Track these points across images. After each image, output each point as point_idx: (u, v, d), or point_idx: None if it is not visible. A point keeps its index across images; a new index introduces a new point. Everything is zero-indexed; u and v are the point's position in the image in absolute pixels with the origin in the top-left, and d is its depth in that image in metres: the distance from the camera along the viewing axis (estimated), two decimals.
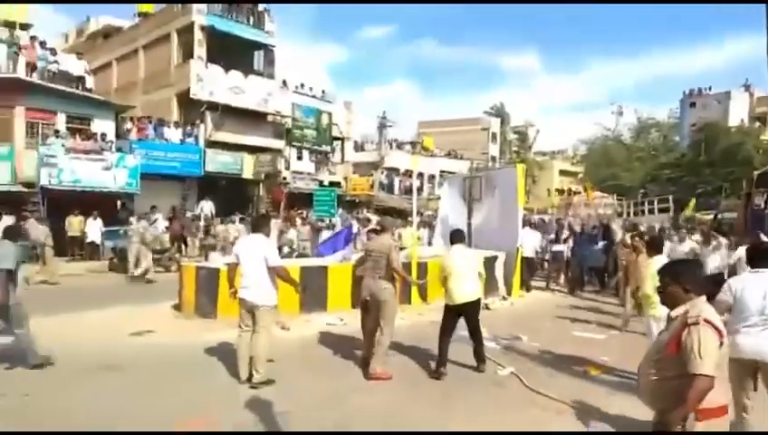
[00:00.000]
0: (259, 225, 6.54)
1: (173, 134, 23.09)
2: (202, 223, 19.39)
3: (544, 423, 5.04)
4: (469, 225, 12.33)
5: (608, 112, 67.67)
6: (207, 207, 21.90)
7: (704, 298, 2.83)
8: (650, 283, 5.89)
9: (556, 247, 14.34)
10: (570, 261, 13.92)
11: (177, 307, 9.55)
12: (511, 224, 11.78)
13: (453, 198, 13.50)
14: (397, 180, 34.82)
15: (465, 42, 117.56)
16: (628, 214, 25.48)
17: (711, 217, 20.18)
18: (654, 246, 6.66)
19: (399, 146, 38.44)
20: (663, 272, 2.99)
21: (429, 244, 14.70)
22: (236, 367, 6.07)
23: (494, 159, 45.92)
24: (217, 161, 24.10)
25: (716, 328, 2.67)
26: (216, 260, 11.04)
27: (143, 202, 18.70)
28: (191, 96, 23.63)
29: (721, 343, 2.67)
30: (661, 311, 4.75)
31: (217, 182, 24.01)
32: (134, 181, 19.81)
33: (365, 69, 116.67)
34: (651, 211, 24.57)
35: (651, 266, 6.10)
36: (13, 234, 6.35)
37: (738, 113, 41.01)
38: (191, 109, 24.33)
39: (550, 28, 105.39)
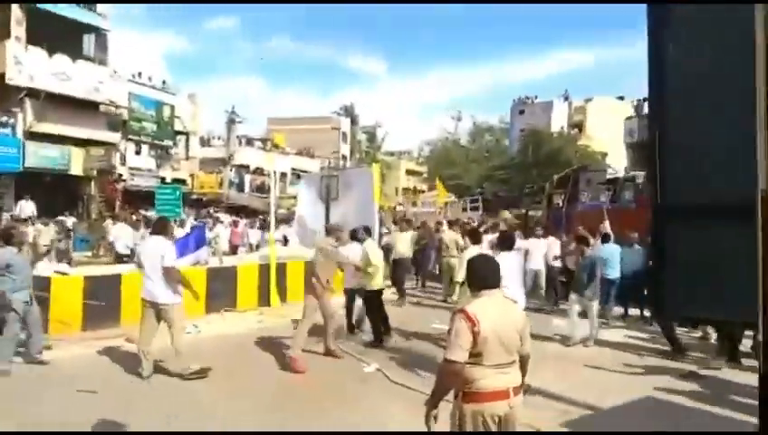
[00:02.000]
0: (159, 227, 6.57)
1: None
2: (32, 227, 16.85)
3: (414, 416, 5.11)
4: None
5: (449, 116, 72.22)
6: (28, 207, 19.28)
7: (483, 292, 3.04)
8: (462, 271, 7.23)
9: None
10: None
11: None
12: (368, 223, 11.93)
13: (310, 197, 13.34)
14: (247, 178, 33.76)
15: (314, 41, 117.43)
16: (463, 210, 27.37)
17: (522, 213, 22.53)
18: (471, 236, 8.11)
19: (249, 142, 37.31)
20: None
21: (285, 244, 14.53)
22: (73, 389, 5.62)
23: (344, 158, 46.53)
24: (40, 155, 21.39)
25: (469, 317, 2.86)
26: (44, 268, 9.73)
27: None
28: (7, 81, 20.71)
29: (474, 332, 2.84)
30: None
31: (40, 179, 21.29)
32: None
33: (210, 61, 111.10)
34: (464, 209, 26.63)
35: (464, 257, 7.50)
36: None
37: (559, 121, 46.01)
38: (7, 96, 21.30)
39: (394, 32, 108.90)
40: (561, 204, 16.77)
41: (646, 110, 33.16)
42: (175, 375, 6.13)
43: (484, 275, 3.08)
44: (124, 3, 27.07)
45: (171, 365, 6.24)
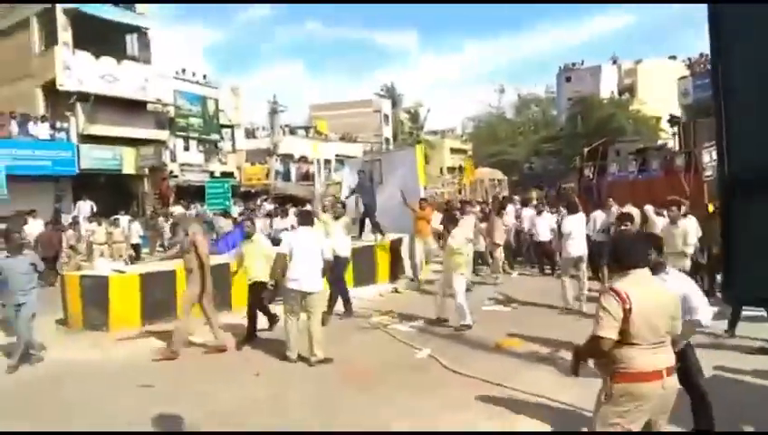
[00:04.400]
0: (306, 219, 6.98)
1: (40, 130, 20.81)
2: (85, 226, 17.47)
3: (467, 402, 5.08)
4: None
5: (491, 90, 70.68)
6: (86, 207, 20.02)
7: (631, 271, 3.05)
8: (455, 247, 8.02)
9: None
10: None
11: (63, 321, 8.59)
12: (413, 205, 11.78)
13: (354, 181, 13.29)
14: (293, 167, 34.04)
15: (347, 22, 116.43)
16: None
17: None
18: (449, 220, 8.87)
19: (293, 131, 37.56)
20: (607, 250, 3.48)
21: None
22: (135, 383, 5.81)
23: (387, 140, 46.23)
24: (94, 157, 22.09)
25: (619, 295, 2.92)
26: (103, 267, 10.09)
27: (14, 208, 16.69)
28: (58, 87, 21.43)
29: (625, 310, 2.88)
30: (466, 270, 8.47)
31: (96, 180, 22.06)
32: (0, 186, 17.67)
33: (248, 53, 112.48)
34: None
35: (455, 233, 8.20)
36: None
37: (608, 85, 44.20)
38: (59, 101, 22.07)
39: (427, 6, 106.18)
40: (591, 176, 17.01)
41: (700, 68, 31.68)
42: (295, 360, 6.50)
43: (630, 254, 3.11)
44: (160, 2, 27.41)
45: (302, 351, 6.50)
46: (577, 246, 8.77)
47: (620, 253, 3.16)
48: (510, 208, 14.19)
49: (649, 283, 3.09)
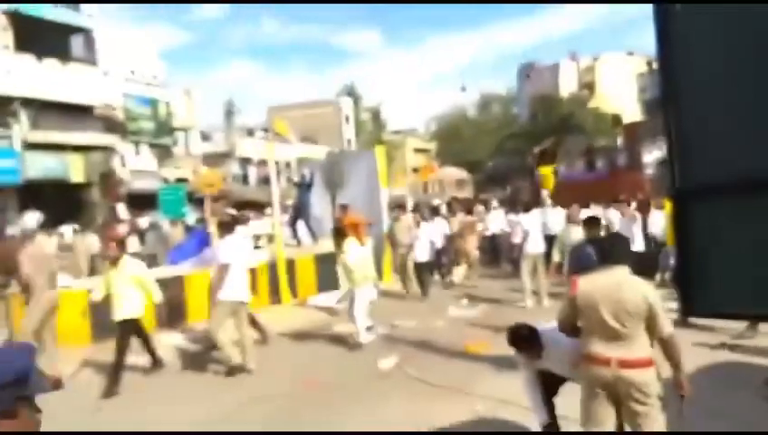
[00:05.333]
0: (231, 227, 6.68)
1: None
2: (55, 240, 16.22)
3: (433, 412, 4.91)
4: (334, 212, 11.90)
5: (453, 87, 70.87)
6: (32, 219, 18.94)
7: (602, 267, 3.25)
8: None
9: None
10: None
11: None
12: (375, 208, 11.56)
13: (315, 185, 12.98)
14: (252, 170, 33.33)
15: (305, 20, 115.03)
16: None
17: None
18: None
19: (250, 133, 36.81)
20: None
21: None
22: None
23: (349, 142, 45.74)
24: (39, 166, 21.06)
25: (573, 284, 3.26)
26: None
27: None
28: None
29: (570, 298, 3.23)
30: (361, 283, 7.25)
31: (41, 190, 20.99)
32: None
33: (204, 53, 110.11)
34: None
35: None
36: None
37: (568, 82, 44.75)
38: (1, 107, 20.99)
39: (387, 4, 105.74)
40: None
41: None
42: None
43: (603, 253, 3.35)
44: (108, 2, 26.44)
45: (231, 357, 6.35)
46: (533, 243, 9.19)
47: (603, 250, 3.40)
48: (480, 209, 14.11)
49: (616, 280, 3.11)
